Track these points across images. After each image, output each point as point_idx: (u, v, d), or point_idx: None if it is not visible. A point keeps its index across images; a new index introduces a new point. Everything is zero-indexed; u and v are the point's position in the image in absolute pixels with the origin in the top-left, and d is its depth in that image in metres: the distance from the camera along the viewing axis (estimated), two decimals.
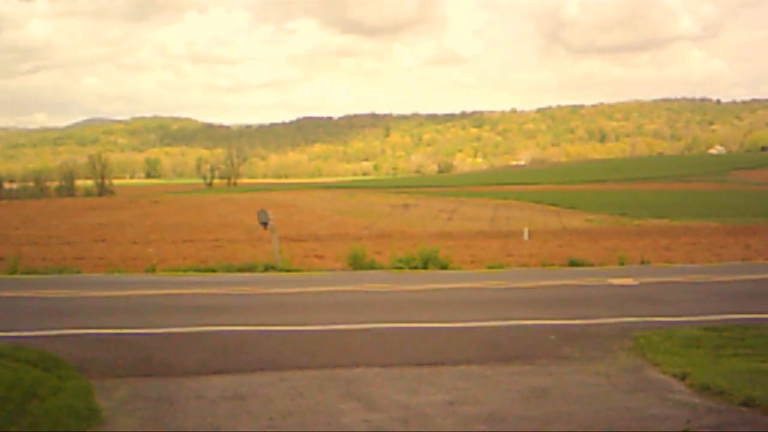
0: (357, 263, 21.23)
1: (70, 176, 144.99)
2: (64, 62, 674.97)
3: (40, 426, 6.69)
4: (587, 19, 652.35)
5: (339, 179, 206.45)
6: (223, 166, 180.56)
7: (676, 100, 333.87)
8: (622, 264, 22.53)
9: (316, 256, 29.79)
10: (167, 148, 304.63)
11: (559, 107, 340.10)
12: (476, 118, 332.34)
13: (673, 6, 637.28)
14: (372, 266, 21.06)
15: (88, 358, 9.44)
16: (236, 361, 9.47)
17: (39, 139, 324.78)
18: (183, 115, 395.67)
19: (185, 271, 20.93)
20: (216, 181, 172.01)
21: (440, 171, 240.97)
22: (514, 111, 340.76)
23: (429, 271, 19.97)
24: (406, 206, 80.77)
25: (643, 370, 8.95)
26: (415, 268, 20.36)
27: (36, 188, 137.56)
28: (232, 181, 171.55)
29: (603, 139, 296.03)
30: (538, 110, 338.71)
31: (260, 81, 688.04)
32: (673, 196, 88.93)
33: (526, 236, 40.71)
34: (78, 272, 21.04)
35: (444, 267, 20.86)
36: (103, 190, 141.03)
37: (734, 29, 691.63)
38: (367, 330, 11.23)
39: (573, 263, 22.46)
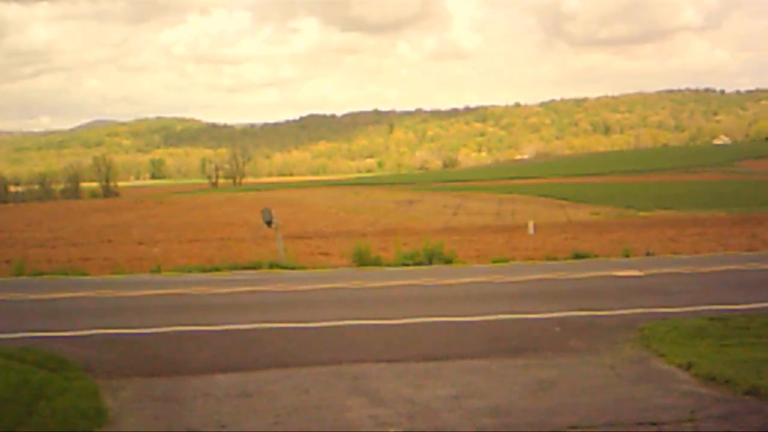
0: (362, 260, 21.25)
1: (75, 178, 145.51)
2: (67, 65, 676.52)
3: (48, 426, 6.74)
4: (589, 11, 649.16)
5: (343, 176, 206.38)
6: (227, 166, 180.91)
7: (680, 91, 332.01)
8: (627, 256, 22.47)
9: (322, 254, 29.89)
10: (171, 149, 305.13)
11: (562, 100, 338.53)
12: (480, 113, 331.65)
13: None
14: (377, 262, 21.07)
15: (94, 358, 9.48)
16: (242, 358, 9.50)
17: (44, 142, 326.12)
18: (187, 115, 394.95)
19: (190, 270, 20.96)
20: (221, 180, 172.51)
21: (445, 166, 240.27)
22: (517, 105, 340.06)
23: (434, 267, 19.95)
24: (410, 202, 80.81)
25: (649, 361, 8.94)
26: (420, 263, 20.35)
27: (41, 191, 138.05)
28: (237, 180, 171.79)
29: (607, 131, 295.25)
30: (542, 104, 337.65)
31: (263, 80, 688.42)
32: (678, 187, 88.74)
33: (531, 230, 40.69)
34: (84, 273, 21.10)
35: (449, 262, 20.84)
36: (108, 192, 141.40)
37: (737, 19, 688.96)
38: (372, 326, 11.25)
39: (578, 256, 22.42)
